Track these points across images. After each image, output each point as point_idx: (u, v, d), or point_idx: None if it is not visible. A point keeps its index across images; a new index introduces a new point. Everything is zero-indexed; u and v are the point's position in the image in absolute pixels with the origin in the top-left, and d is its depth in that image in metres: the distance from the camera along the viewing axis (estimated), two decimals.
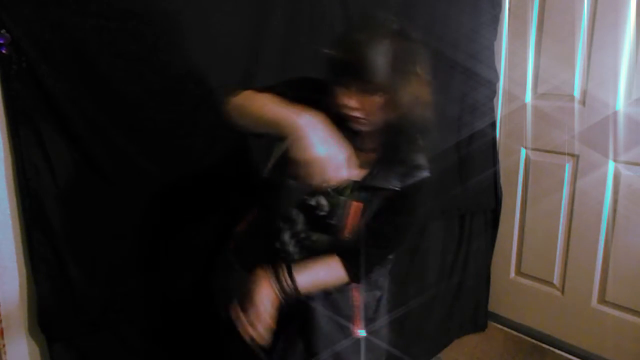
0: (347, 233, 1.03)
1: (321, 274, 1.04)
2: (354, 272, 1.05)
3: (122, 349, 1.27)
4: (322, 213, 1.04)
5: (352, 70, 0.89)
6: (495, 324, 2.34)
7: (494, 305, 2.35)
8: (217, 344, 1.30)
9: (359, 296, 1.12)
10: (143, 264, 1.25)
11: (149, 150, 1.21)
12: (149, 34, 1.14)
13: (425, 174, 1.04)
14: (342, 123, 0.93)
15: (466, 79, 1.94)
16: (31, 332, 1.14)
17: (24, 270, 1.11)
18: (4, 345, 1.08)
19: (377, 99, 0.91)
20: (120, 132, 1.16)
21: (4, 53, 0.99)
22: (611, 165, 1.89)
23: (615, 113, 1.84)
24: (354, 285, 1.10)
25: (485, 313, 2.32)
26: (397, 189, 1.01)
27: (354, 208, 1.02)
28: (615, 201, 1.90)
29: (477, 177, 2.08)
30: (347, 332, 1.12)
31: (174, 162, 1.26)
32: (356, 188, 1.03)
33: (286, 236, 1.06)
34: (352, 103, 0.92)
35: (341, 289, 1.10)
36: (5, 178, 1.05)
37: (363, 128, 0.96)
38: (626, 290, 1.92)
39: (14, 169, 1.06)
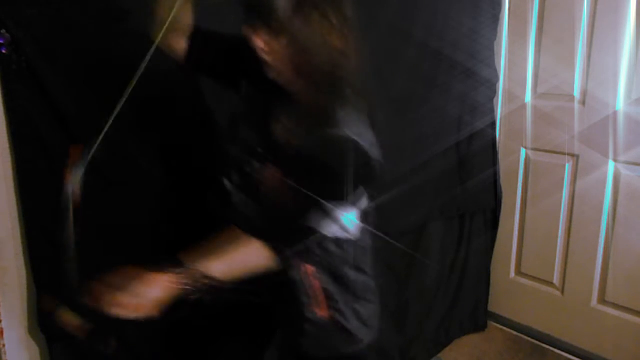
0: (266, 197, 0.99)
1: (240, 257, 0.96)
2: (282, 251, 0.98)
3: (122, 349, 1.27)
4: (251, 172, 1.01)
5: (256, 6, 0.90)
6: (495, 324, 2.34)
7: (494, 305, 2.35)
8: (216, 343, 1.30)
9: (316, 280, 1.06)
10: (144, 263, 1.25)
11: (150, 149, 1.21)
12: (149, 34, 1.14)
13: (341, 133, 0.93)
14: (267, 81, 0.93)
15: (466, 79, 1.94)
16: (31, 332, 1.14)
17: (23, 271, 1.11)
18: (4, 345, 1.08)
19: (283, 41, 0.90)
20: (120, 131, 1.16)
21: (4, 53, 0.99)
22: (611, 165, 1.89)
23: (615, 113, 1.84)
24: (308, 269, 1.05)
25: (485, 313, 2.32)
26: (310, 151, 0.94)
27: (270, 172, 0.98)
28: (615, 201, 1.90)
29: (477, 177, 2.07)
30: (312, 319, 1.08)
31: (176, 161, 1.26)
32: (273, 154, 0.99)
33: (237, 198, 1.03)
34: (259, 43, 0.91)
35: (293, 277, 1.05)
36: (5, 178, 1.05)
37: (276, 77, 0.95)
38: (626, 290, 1.92)
39: (13, 168, 1.06)
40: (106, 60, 1.11)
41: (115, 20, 1.10)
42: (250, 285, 1.03)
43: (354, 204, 1.06)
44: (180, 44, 1.05)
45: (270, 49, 0.92)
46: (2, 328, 1.07)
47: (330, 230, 1.04)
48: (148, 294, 0.88)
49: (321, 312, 1.08)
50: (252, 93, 1.07)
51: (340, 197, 0.98)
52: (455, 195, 2.04)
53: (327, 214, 1.00)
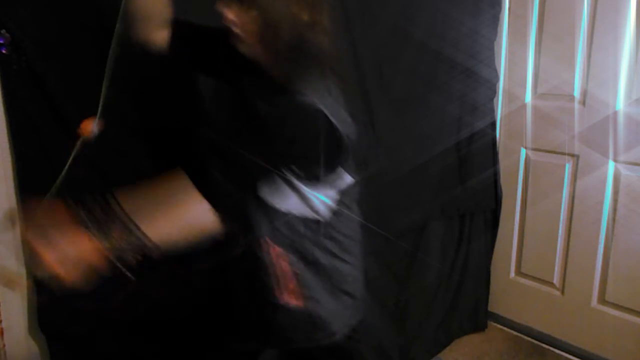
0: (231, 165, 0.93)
1: (184, 213, 0.89)
2: (227, 215, 0.91)
3: (122, 349, 1.27)
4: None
5: None
6: (495, 324, 2.34)
7: (494, 305, 2.35)
8: (215, 342, 1.30)
9: (284, 262, 1.01)
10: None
11: (149, 148, 1.21)
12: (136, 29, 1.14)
13: (305, 99, 0.91)
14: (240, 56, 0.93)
15: (466, 79, 1.94)
16: (31, 332, 1.14)
17: (23, 271, 1.11)
18: (4, 345, 1.08)
19: (252, 14, 0.91)
20: (120, 131, 1.16)
21: (4, 53, 0.99)
22: (611, 165, 1.89)
23: (615, 113, 1.84)
24: (274, 249, 1.01)
25: (485, 313, 2.32)
26: (273, 118, 0.92)
27: (235, 143, 0.94)
28: (615, 201, 1.90)
29: (477, 177, 2.08)
30: (285, 307, 1.03)
31: (176, 161, 1.26)
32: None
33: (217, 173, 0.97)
34: (230, 15, 0.92)
35: (255, 254, 1.00)
36: (5, 178, 1.05)
37: (247, 51, 0.96)
38: (626, 290, 1.92)
39: (13, 168, 1.06)
40: (105, 60, 1.11)
41: (114, 19, 1.10)
42: (204, 260, 0.96)
43: (329, 184, 1.00)
44: (162, 35, 1.04)
45: (241, 22, 0.93)
46: (2, 328, 1.07)
47: (288, 205, 0.97)
48: (65, 248, 0.79)
49: (293, 300, 1.03)
50: (229, 71, 1.06)
51: (303, 170, 0.93)
52: (455, 195, 2.04)
53: (282, 186, 0.93)
